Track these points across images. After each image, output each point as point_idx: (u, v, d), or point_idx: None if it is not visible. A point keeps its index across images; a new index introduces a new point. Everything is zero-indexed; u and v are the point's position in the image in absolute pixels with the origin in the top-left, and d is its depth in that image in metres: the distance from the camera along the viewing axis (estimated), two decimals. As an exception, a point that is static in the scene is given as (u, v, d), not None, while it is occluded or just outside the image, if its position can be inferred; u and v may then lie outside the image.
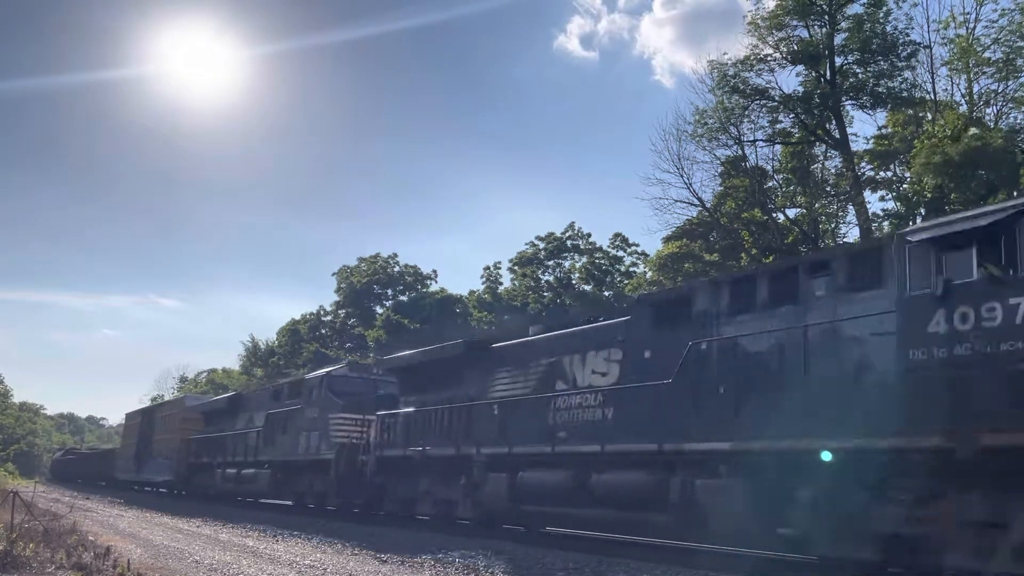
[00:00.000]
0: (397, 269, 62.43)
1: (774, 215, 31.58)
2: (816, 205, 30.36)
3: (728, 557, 11.03)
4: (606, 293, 44.94)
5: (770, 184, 32.11)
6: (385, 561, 11.72)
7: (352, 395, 21.55)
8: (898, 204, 28.31)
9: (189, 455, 32.59)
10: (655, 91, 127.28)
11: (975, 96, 25.47)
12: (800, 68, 29.19)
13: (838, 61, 28.68)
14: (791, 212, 31.82)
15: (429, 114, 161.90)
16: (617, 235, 47.78)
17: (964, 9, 26.11)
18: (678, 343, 11.41)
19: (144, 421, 40.71)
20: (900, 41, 27.51)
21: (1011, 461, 7.54)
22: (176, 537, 15.68)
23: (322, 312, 67.03)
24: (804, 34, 28.97)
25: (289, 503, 24.68)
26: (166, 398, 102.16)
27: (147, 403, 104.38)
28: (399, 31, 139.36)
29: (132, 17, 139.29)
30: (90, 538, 13.95)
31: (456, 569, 10.87)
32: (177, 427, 33.85)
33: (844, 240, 30.58)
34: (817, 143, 30.21)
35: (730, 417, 10.35)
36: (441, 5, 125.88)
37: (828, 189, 30.99)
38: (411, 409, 18.04)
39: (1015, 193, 19.98)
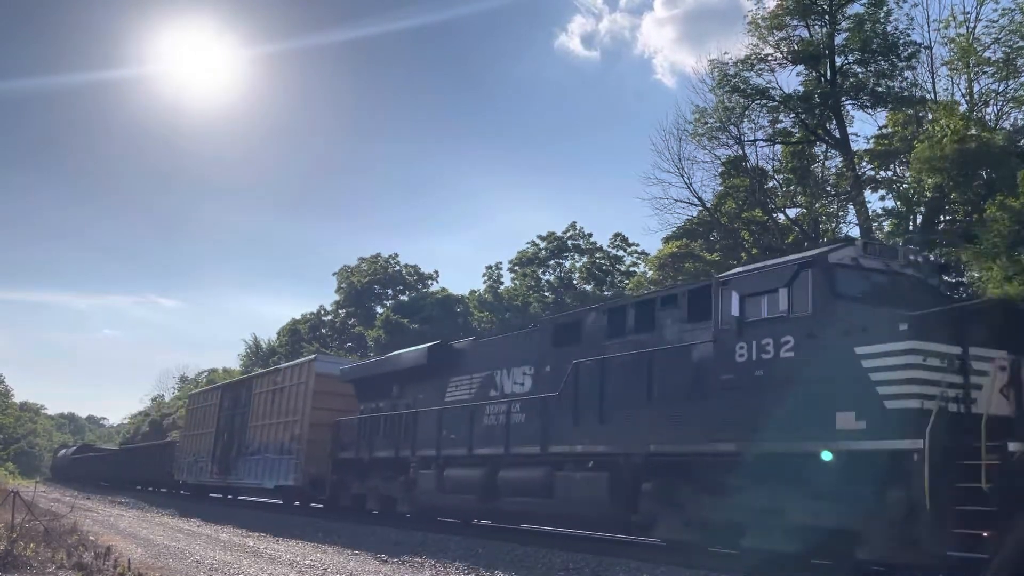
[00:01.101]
0: (398, 269, 62.60)
1: (774, 215, 31.60)
2: (816, 205, 30.38)
3: (728, 557, 11.02)
4: (607, 293, 44.96)
5: (770, 184, 32.13)
6: (385, 561, 11.72)
7: (887, 295, 10.02)
8: (898, 204, 28.33)
9: (336, 447, 21.04)
10: (656, 91, 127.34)
11: (975, 96, 25.49)
12: (800, 68, 29.24)
13: (838, 61, 28.72)
14: (791, 212, 31.89)
15: (429, 114, 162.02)
16: (617, 235, 47.95)
17: (964, 9, 26.19)
18: None
19: (230, 401, 28.88)
20: (900, 41, 27.56)
21: None
22: (177, 537, 15.69)
23: (322, 312, 67.25)
24: (804, 34, 29.02)
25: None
26: (167, 398, 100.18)
27: (148, 403, 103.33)
28: (399, 31, 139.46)
29: (132, 17, 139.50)
30: (91, 538, 13.98)
31: (456, 569, 10.87)
32: (304, 405, 22.53)
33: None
34: (817, 143, 30.25)
35: None
36: (441, 5, 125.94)
37: (828, 189, 31.02)
38: None
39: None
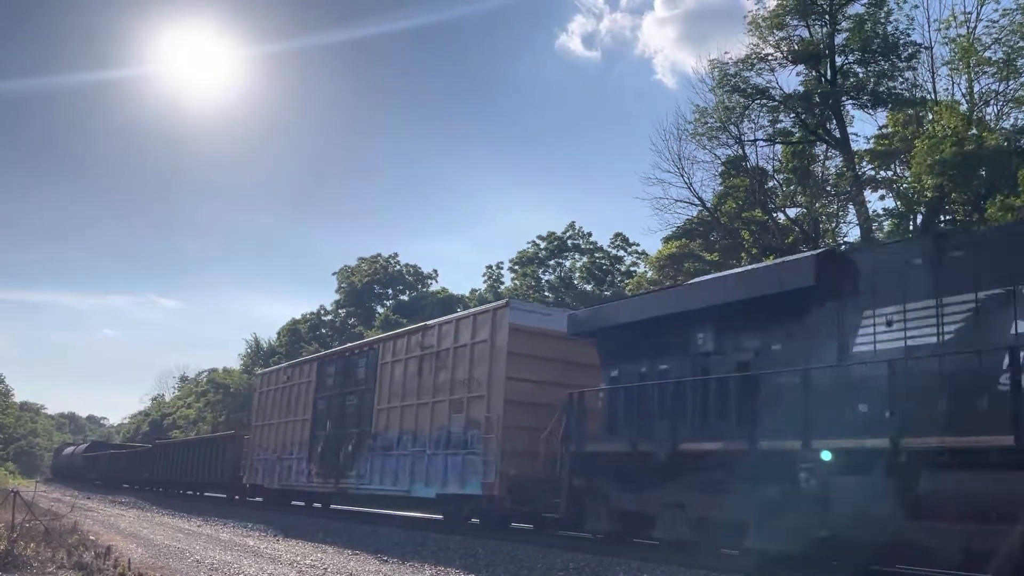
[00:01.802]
0: (398, 269, 62.65)
1: (774, 215, 31.60)
2: (816, 205, 30.38)
3: (728, 557, 11.02)
4: (607, 293, 44.95)
5: (770, 184, 32.14)
6: (385, 561, 11.72)
7: None
8: (898, 204, 28.32)
9: (574, 436, 13.20)
10: (656, 91, 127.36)
11: (975, 96, 25.48)
12: (801, 68, 29.24)
13: (839, 61, 28.73)
14: (791, 212, 31.90)
15: (429, 114, 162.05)
16: (617, 235, 47.96)
17: (965, 9, 26.17)
18: None
19: (337, 376, 21.76)
20: (901, 41, 27.57)
21: None
22: (177, 537, 15.68)
23: (322, 312, 67.25)
24: (805, 34, 29.02)
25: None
26: (167, 398, 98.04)
27: (147, 403, 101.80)
28: (399, 31, 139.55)
29: (132, 17, 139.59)
30: (91, 538, 13.98)
31: (456, 569, 10.87)
32: (493, 374, 15.40)
33: (845, 240, 30.62)
34: (818, 143, 30.25)
35: None
36: (441, 5, 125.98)
37: (828, 189, 31.02)
38: None
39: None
